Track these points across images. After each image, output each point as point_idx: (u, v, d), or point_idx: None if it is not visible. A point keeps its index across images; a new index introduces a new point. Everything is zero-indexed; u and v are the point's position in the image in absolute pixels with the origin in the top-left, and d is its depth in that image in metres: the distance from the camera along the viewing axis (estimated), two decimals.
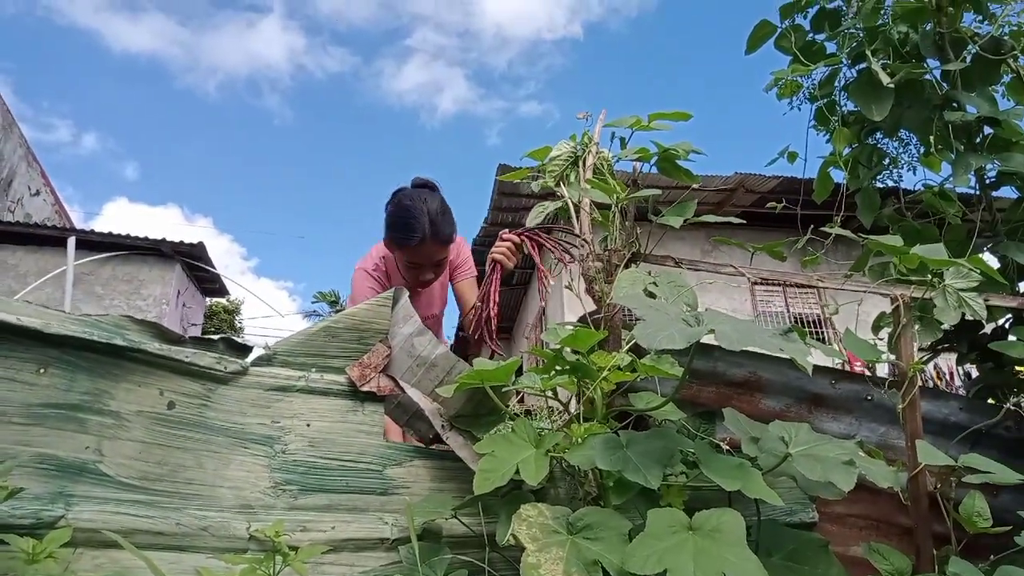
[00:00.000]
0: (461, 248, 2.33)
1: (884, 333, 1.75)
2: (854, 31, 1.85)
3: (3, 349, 1.00)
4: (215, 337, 1.24)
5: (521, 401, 1.76)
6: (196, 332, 13.54)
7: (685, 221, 1.63)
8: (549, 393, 1.39)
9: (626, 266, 1.63)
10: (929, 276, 1.49)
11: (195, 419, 1.18)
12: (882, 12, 1.82)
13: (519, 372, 1.38)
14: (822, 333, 10.89)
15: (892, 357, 1.51)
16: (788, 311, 11.16)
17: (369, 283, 2.15)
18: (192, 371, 1.19)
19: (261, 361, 1.30)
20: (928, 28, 1.80)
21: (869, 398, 1.64)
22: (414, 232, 1.96)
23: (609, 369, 1.28)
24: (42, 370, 1.03)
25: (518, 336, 16.32)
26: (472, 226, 12.17)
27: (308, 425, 1.28)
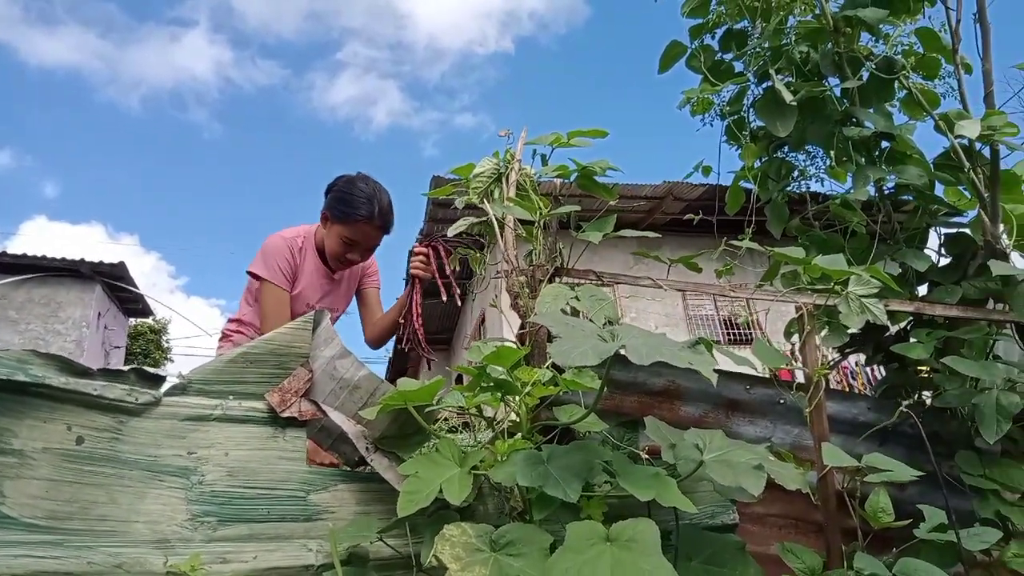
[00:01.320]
0: (374, 258, 2.34)
1: (796, 338, 1.83)
2: (760, 51, 1.95)
3: None
4: (125, 368, 1.20)
5: (460, 414, 1.78)
6: (119, 354, 13.00)
7: (605, 236, 1.67)
8: (474, 410, 1.40)
9: (549, 281, 1.66)
10: (833, 284, 1.57)
11: (106, 453, 1.14)
12: (785, 32, 1.92)
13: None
14: (749, 335, 11.28)
15: (799, 362, 1.58)
16: (718, 314, 11.53)
17: (283, 251, 2.07)
18: (101, 404, 1.15)
19: (175, 391, 1.26)
20: (828, 48, 1.90)
21: (782, 401, 1.71)
22: (365, 209, 2.03)
23: (532, 384, 1.30)
24: None
25: (457, 347, 16.28)
26: (408, 237, 12.11)
27: (226, 454, 1.25)
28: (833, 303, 1.60)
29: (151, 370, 1.21)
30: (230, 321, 2.21)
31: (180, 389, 1.26)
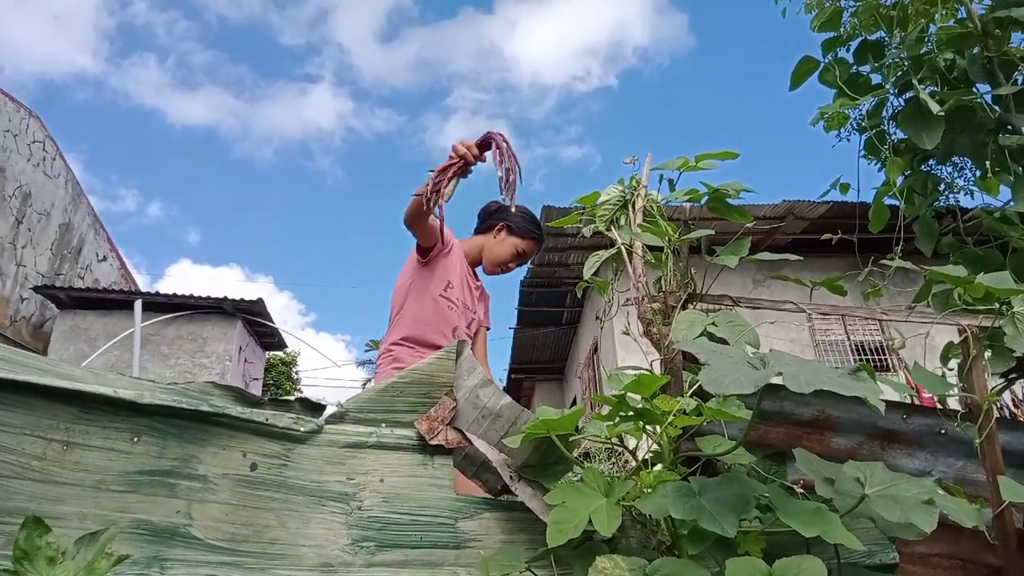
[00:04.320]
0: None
1: (953, 363, 1.71)
2: (899, 61, 1.85)
3: (102, 420, 1.07)
4: (291, 398, 1.29)
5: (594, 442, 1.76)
6: (257, 386, 13.89)
7: (740, 259, 1.63)
8: (615, 440, 1.39)
9: (682, 307, 1.64)
10: (997, 304, 1.45)
11: (276, 479, 1.22)
12: (926, 40, 1.82)
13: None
14: (885, 361, 10.54)
15: (962, 389, 1.47)
16: (848, 339, 10.86)
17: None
18: (271, 432, 1.24)
19: (334, 419, 1.34)
20: (976, 53, 1.78)
21: (943, 432, 1.59)
22: (540, 231, 2.49)
23: (675, 414, 1.28)
24: (136, 439, 1.10)
25: (570, 375, 16.22)
26: (520, 269, 12.25)
27: (381, 481, 1.31)
28: (998, 324, 1.48)
29: (314, 399, 1.30)
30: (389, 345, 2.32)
31: (339, 417, 1.34)
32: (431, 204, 1.88)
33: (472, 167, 1.90)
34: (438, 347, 1.69)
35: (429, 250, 2.24)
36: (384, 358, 2.25)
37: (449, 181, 1.89)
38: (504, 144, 1.86)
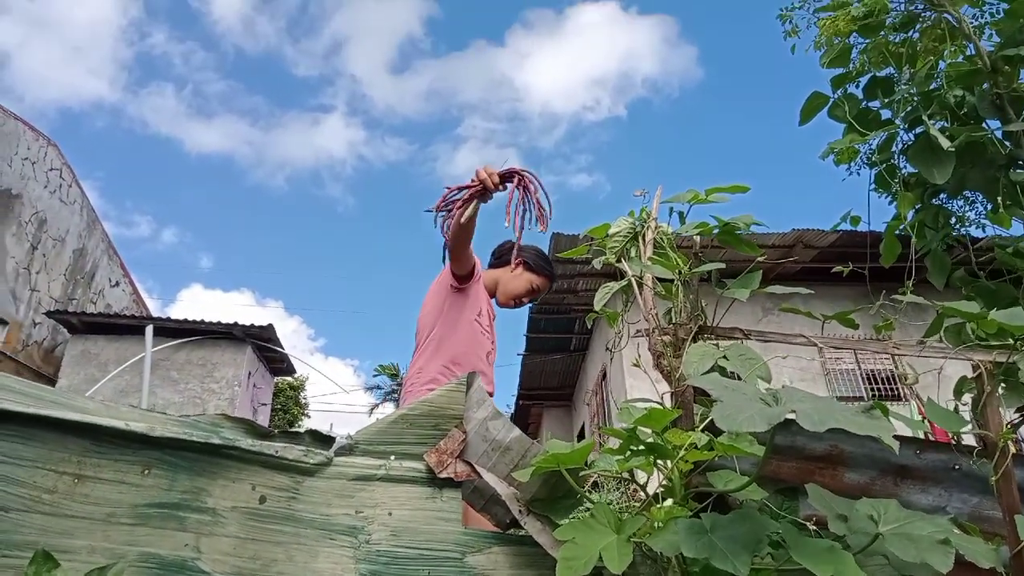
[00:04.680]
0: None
1: (966, 397, 1.69)
2: (908, 97, 1.86)
3: (113, 453, 1.07)
4: (301, 430, 1.29)
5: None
6: (265, 411, 13.87)
7: (752, 292, 1.63)
8: (625, 474, 1.38)
9: (693, 340, 1.63)
10: (1011, 340, 1.44)
11: (285, 512, 1.22)
12: (935, 77, 1.83)
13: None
14: (896, 390, 10.43)
15: (976, 425, 1.45)
16: (859, 369, 10.76)
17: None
18: (281, 464, 1.24)
19: (343, 451, 1.34)
20: (985, 89, 1.79)
21: (957, 467, 1.56)
22: (552, 269, 2.61)
23: (686, 448, 1.27)
24: (146, 471, 1.10)
25: (579, 402, 16.13)
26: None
27: (390, 514, 1.31)
28: (1013, 360, 1.46)
29: (324, 431, 1.30)
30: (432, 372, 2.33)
31: (348, 449, 1.33)
32: (457, 218, 1.91)
33: (491, 194, 1.92)
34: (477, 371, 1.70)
35: (467, 277, 2.29)
36: (417, 379, 2.26)
37: (466, 204, 1.91)
38: (532, 186, 1.88)
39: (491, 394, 2.33)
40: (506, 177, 1.89)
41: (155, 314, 15.28)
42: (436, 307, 2.35)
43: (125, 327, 12.19)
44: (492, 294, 2.57)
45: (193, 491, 1.14)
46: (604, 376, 12.75)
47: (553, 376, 16.33)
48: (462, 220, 1.91)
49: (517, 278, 2.54)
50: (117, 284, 15.23)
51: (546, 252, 2.65)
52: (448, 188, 1.93)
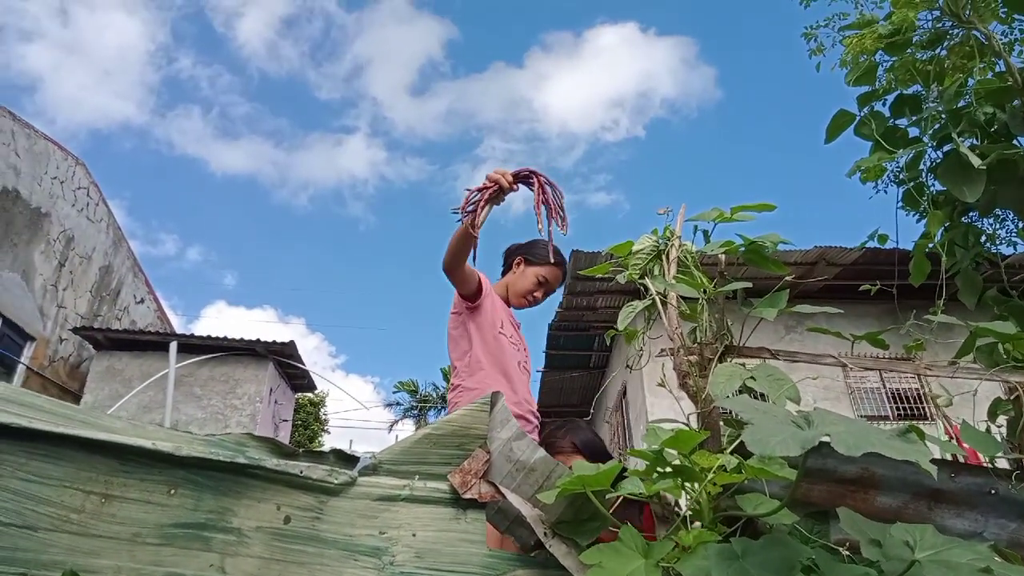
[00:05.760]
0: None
1: (1001, 419, 1.65)
2: (936, 114, 1.84)
3: (140, 472, 1.08)
4: (325, 449, 1.29)
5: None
6: (286, 427, 13.93)
7: (779, 312, 1.61)
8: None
9: (719, 360, 1.61)
10: None
11: (309, 533, 1.21)
12: (964, 94, 1.81)
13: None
14: (922, 408, 10.24)
15: (1013, 448, 1.41)
16: (884, 387, 10.58)
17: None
18: (306, 484, 1.23)
19: (367, 471, 1.33)
20: (1016, 106, 1.76)
21: (993, 491, 1.52)
22: (556, 256, 2.53)
23: (714, 471, 1.25)
24: (172, 491, 1.10)
25: (599, 419, 16.01)
26: (547, 310, 12.31)
27: (414, 535, 1.29)
28: None
29: (348, 451, 1.29)
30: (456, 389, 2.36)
31: (372, 469, 1.32)
32: (469, 221, 1.92)
33: (505, 195, 1.94)
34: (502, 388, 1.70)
35: (475, 294, 2.30)
36: (459, 398, 2.29)
37: (484, 205, 1.92)
38: (546, 186, 1.90)
39: (530, 405, 2.36)
40: (520, 178, 1.92)
41: (179, 331, 15.48)
42: (458, 331, 2.37)
43: (149, 343, 12.34)
44: (508, 302, 2.56)
45: (218, 511, 1.13)
46: (624, 394, 12.66)
47: (573, 393, 16.24)
48: (477, 222, 1.92)
49: (522, 276, 2.54)
50: (142, 301, 15.45)
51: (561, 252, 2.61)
52: (468, 190, 1.95)
